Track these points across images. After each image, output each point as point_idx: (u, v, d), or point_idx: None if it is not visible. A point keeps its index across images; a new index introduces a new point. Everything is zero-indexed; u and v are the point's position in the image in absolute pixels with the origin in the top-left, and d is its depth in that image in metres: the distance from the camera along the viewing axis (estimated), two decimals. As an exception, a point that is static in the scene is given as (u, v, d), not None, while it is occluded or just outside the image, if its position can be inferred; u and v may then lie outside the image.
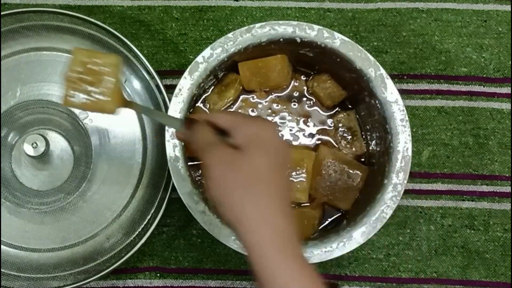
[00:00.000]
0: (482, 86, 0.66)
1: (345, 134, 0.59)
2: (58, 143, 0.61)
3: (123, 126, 0.61)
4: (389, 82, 0.54)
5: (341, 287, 0.38)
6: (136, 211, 0.60)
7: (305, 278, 0.39)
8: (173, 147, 0.52)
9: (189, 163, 0.57)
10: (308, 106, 0.60)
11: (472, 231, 0.64)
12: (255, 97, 0.60)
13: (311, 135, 0.60)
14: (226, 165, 0.40)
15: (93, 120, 0.61)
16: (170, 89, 0.60)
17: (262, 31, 0.54)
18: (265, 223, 0.39)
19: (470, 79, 0.66)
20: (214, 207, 0.41)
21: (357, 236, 0.52)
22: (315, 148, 0.59)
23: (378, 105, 0.55)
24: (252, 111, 0.60)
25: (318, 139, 0.60)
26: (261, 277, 0.39)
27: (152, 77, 0.60)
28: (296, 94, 0.60)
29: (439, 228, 0.64)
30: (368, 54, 0.54)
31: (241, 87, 0.60)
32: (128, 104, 0.44)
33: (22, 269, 0.59)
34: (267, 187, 0.40)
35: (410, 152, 0.53)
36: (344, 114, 0.60)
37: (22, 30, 0.61)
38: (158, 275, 0.63)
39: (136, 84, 0.63)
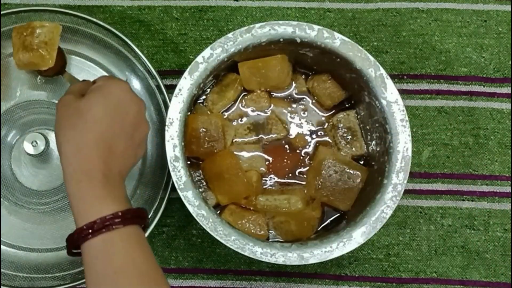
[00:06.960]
0: (482, 86, 0.66)
1: (344, 134, 0.59)
2: (58, 143, 0.61)
3: (123, 126, 0.61)
4: (389, 82, 0.54)
5: None
6: (136, 211, 0.60)
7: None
8: (173, 147, 0.52)
9: (189, 163, 0.57)
10: (307, 106, 0.60)
11: (472, 231, 0.64)
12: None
13: (311, 135, 0.60)
14: (65, 107, 0.47)
15: (93, 120, 0.61)
16: (170, 89, 0.60)
17: (262, 31, 0.54)
18: (77, 157, 0.44)
19: (470, 79, 0.66)
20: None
21: (357, 236, 0.52)
22: (315, 148, 0.59)
23: (378, 105, 0.55)
24: (252, 110, 0.60)
25: (318, 139, 0.60)
26: (74, 210, 0.43)
27: (153, 77, 0.60)
28: (296, 94, 0.60)
29: (439, 228, 0.64)
30: (368, 54, 0.54)
31: (241, 87, 0.60)
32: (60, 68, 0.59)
33: (20, 269, 0.59)
34: (91, 126, 0.45)
35: (410, 152, 0.53)
36: (344, 114, 0.60)
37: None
38: (158, 275, 0.62)
39: (136, 84, 0.62)
